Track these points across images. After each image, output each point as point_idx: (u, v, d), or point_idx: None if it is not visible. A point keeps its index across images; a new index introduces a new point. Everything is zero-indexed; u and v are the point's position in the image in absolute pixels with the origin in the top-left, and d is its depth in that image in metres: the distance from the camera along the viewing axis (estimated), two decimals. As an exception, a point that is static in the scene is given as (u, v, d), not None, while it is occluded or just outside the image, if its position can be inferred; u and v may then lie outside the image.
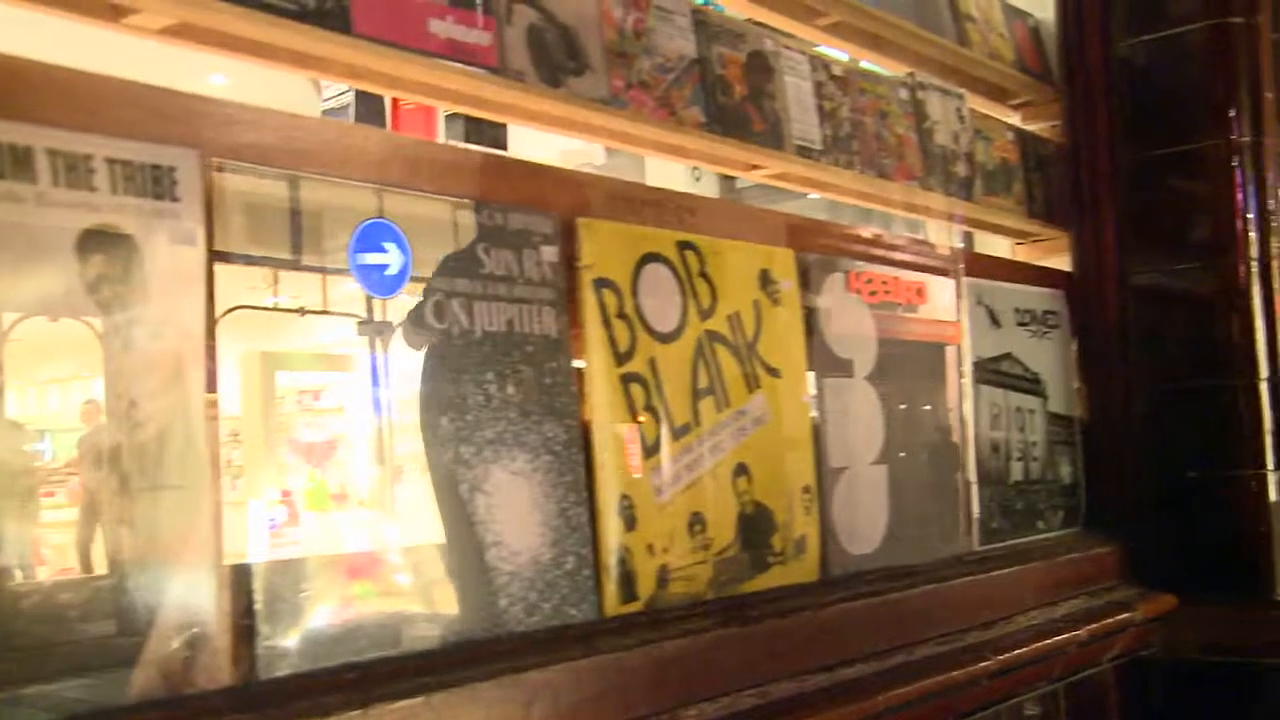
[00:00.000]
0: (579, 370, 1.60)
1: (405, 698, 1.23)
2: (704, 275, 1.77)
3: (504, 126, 4.75)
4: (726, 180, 6.23)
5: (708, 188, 6.34)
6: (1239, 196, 2.56)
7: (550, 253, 1.57)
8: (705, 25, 1.85)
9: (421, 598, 1.42)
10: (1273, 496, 2.53)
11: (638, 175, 5.44)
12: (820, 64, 2.09)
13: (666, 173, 5.16)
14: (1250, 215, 2.57)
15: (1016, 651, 2.10)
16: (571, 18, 1.63)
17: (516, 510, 1.50)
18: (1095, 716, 2.44)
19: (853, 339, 2.03)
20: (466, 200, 1.48)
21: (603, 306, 1.62)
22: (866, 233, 2.16)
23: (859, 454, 2.02)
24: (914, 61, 2.39)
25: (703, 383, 1.74)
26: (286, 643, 1.24)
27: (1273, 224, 2.61)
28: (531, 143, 2.03)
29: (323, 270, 1.36)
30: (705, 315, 1.76)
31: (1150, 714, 2.55)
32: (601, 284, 1.63)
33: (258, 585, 1.22)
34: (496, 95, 1.56)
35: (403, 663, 1.30)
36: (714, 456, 1.74)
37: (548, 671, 1.40)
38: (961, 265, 2.34)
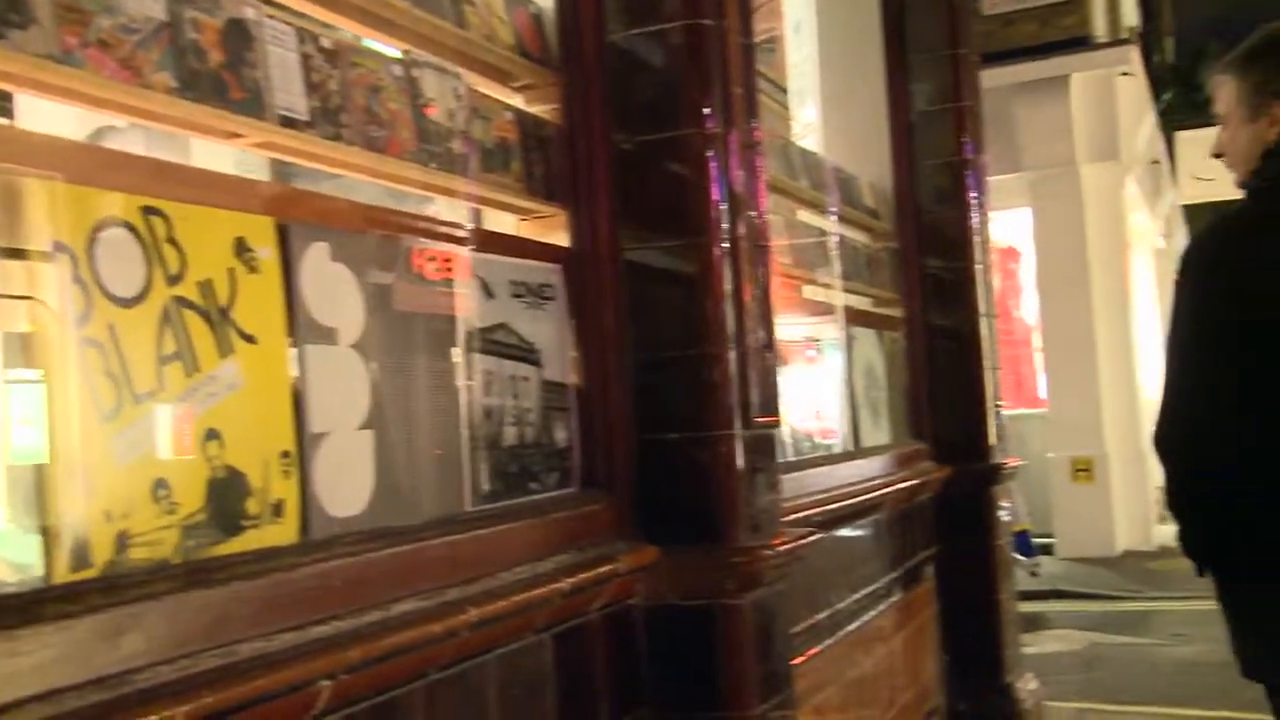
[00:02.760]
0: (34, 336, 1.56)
1: None
2: (172, 241, 1.76)
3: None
4: (278, 162, 6.06)
5: (258, 171, 6.14)
6: (712, 183, 2.82)
7: (-3, 214, 1.52)
8: (176, -12, 1.84)
9: None
10: (738, 457, 2.82)
11: (181, 153, 5.19)
12: (308, 36, 2.12)
13: (216, 153, 4.95)
14: (721, 201, 2.83)
15: (498, 604, 2.23)
16: (17, -31, 1.58)
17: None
18: (587, 661, 2.63)
19: (338, 307, 2.08)
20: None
21: (56, 271, 1.58)
22: (356, 202, 2.21)
23: (343, 419, 2.07)
24: (413, 40, 2.46)
25: (169, 348, 1.73)
26: None
27: (742, 210, 2.89)
28: (49, 111, 1.90)
29: None
30: (173, 281, 1.75)
31: (636, 655, 2.78)
32: (56, 248, 1.59)
33: None
34: (-80, 45, 1.48)
35: None
36: (181, 421, 1.74)
37: (-22, 643, 1.37)
38: (457, 237, 2.44)
